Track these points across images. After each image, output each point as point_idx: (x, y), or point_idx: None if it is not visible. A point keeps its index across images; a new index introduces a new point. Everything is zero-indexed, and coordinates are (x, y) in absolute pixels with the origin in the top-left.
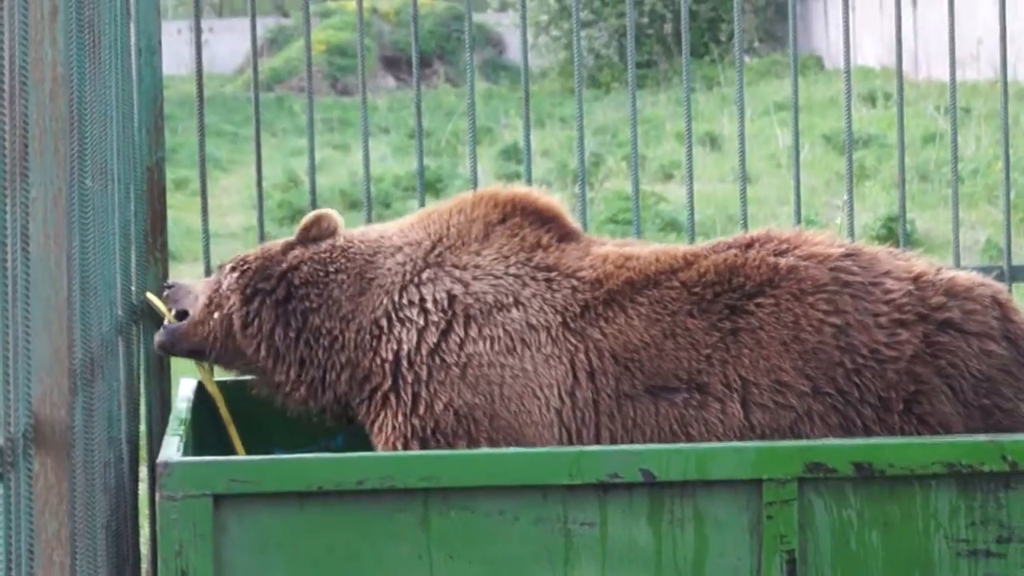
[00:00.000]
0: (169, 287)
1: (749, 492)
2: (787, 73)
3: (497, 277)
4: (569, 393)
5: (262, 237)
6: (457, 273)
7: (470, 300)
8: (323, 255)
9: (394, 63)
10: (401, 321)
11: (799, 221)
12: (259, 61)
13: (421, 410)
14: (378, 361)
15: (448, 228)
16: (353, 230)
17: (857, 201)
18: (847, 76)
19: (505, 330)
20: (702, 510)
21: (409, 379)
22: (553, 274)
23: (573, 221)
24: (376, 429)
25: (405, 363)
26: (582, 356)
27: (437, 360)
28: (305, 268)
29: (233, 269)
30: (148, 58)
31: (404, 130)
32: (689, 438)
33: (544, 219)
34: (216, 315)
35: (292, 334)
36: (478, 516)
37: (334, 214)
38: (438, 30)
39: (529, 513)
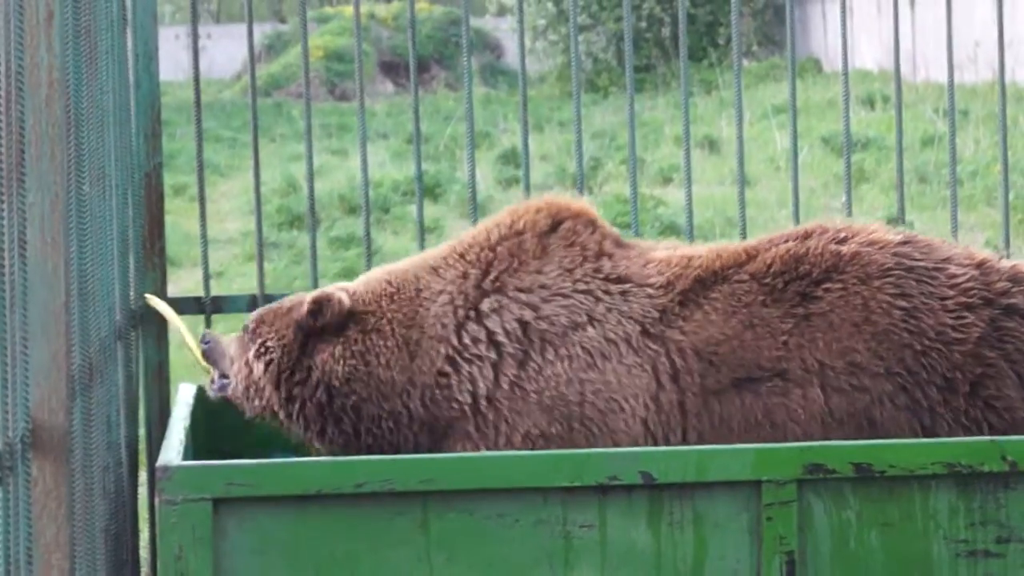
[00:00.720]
0: (206, 343)
1: (748, 494)
2: (785, 76)
3: (567, 296)
4: (654, 399)
5: (260, 243)
6: (524, 297)
7: (544, 325)
8: (354, 347)
9: (392, 68)
10: (469, 361)
11: (798, 223)
12: (257, 67)
13: (500, 442)
14: (455, 407)
15: (495, 251)
16: (365, 289)
17: (856, 203)
18: (845, 79)
19: (583, 348)
20: (701, 512)
21: (490, 416)
22: (627, 285)
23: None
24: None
25: (484, 401)
26: (664, 360)
27: (517, 391)
28: (340, 368)
29: (258, 356)
30: (145, 64)
31: (403, 135)
32: (774, 427)
33: (590, 220)
34: (257, 403)
35: (348, 429)
36: (477, 519)
37: (337, 295)
38: (436, 35)
39: (529, 516)
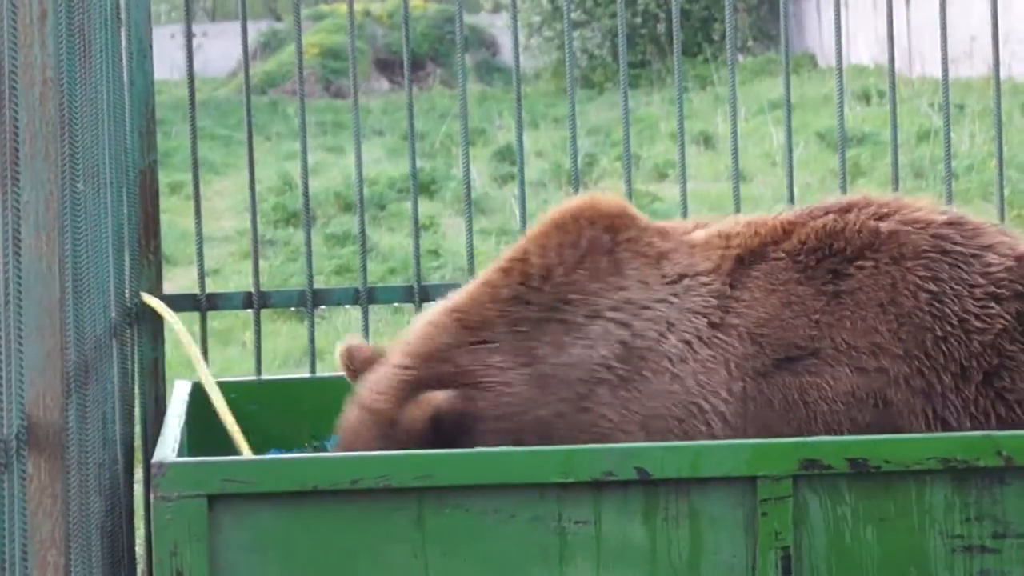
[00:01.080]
0: None
1: (743, 489)
2: (780, 72)
3: (648, 308)
4: (728, 389)
5: (256, 242)
6: (618, 316)
7: (639, 342)
8: (495, 412)
9: (387, 66)
10: (598, 383)
11: None
12: (252, 65)
13: None
14: (596, 431)
15: (567, 270)
16: (455, 334)
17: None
18: (840, 74)
19: (667, 357)
20: (697, 507)
21: (618, 438)
22: (686, 281)
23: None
24: None
25: (613, 424)
26: (730, 349)
27: (627, 411)
28: (493, 439)
29: None
30: (140, 62)
31: (398, 132)
32: (806, 406)
33: (629, 221)
34: None
35: None
36: (473, 515)
37: (436, 402)
38: (431, 32)
39: (524, 512)
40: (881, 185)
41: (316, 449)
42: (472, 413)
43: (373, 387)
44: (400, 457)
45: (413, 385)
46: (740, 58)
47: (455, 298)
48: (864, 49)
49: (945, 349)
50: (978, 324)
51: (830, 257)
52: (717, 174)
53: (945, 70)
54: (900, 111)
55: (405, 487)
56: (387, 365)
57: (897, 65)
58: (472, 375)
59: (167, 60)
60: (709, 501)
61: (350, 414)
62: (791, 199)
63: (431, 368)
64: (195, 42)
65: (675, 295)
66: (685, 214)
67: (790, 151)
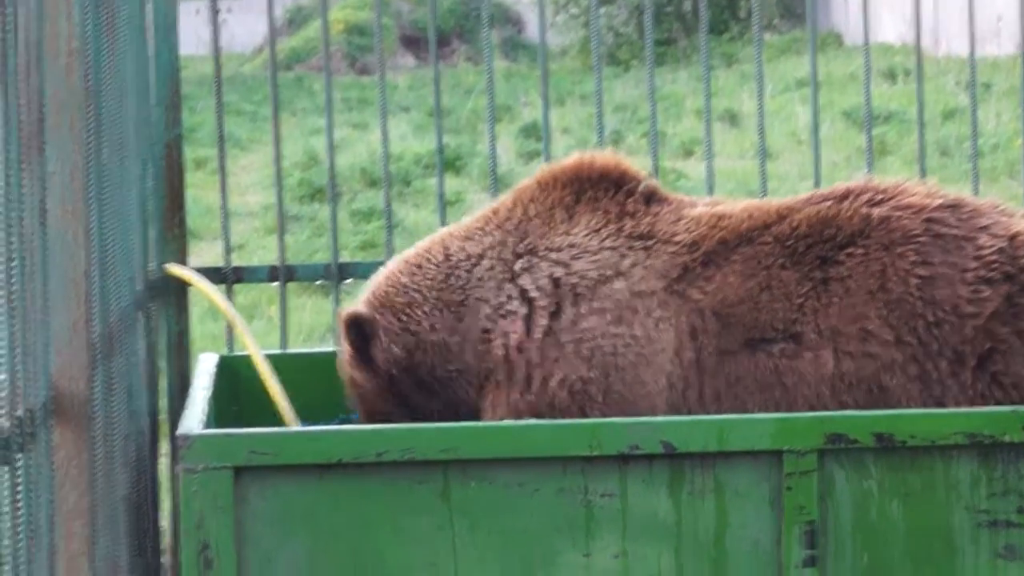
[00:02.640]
0: None
1: (769, 463)
2: (807, 50)
3: (594, 252)
4: (676, 354)
5: (281, 215)
6: (554, 256)
7: (575, 279)
8: (395, 329)
9: (413, 42)
10: (504, 316)
11: None
12: (277, 41)
13: (536, 387)
14: (490, 361)
15: (528, 219)
16: (380, 284)
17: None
18: (866, 52)
19: (613, 301)
20: (722, 481)
21: (522, 363)
22: (650, 242)
23: (639, 172)
24: (489, 409)
25: (515, 351)
26: (684, 318)
27: (550, 340)
28: (397, 350)
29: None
30: (164, 35)
31: (424, 108)
32: (785, 389)
33: (613, 182)
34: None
35: (437, 391)
36: (498, 488)
37: (357, 311)
38: (457, 8)
39: (549, 485)
40: (907, 163)
41: (343, 422)
42: (381, 323)
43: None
44: (425, 430)
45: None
46: (766, 36)
47: (428, 238)
48: (890, 27)
49: (938, 335)
50: (970, 309)
51: (820, 244)
52: (743, 151)
53: (972, 49)
54: (926, 89)
55: (430, 460)
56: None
57: (923, 43)
58: (388, 300)
59: (193, 36)
60: (735, 475)
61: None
62: (817, 177)
63: (381, 299)
64: (220, 17)
65: (631, 249)
66: (711, 191)
67: (816, 129)
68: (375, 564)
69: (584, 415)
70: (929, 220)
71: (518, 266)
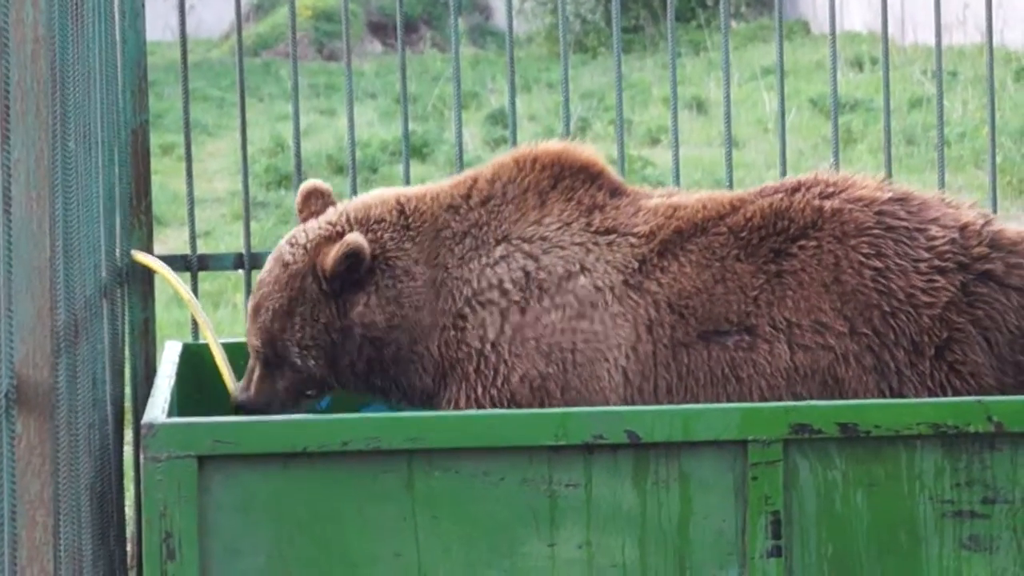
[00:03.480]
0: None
1: (734, 453)
2: (774, 38)
3: (563, 248)
4: (632, 348)
5: (247, 201)
6: (526, 247)
7: (543, 275)
8: (388, 293)
9: (381, 28)
10: (483, 304)
11: None
12: (245, 26)
13: (499, 383)
14: (464, 349)
15: (504, 202)
16: (380, 223)
17: (844, 165)
18: (833, 40)
19: (575, 297)
20: (687, 471)
21: (492, 359)
22: (612, 236)
23: (613, 171)
24: (448, 403)
25: (489, 345)
26: (642, 311)
27: (518, 337)
28: (380, 318)
29: (302, 356)
30: (132, 20)
31: (391, 95)
32: (739, 381)
33: (591, 175)
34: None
35: (392, 372)
36: (463, 477)
37: (359, 242)
38: None
39: (514, 474)
40: (873, 152)
41: (307, 411)
42: (378, 279)
43: (294, 240)
44: (390, 419)
45: (330, 240)
46: (733, 24)
47: (411, 188)
48: (857, 15)
49: (895, 325)
50: (925, 299)
51: (773, 236)
52: (710, 139)
53: (938, 37)
54: (892, 78)
55: (395, 449)
56: (320, 220)
57: (890, 32)
58: (386, 252)
59: (160, 21)
60: (699, 465)
61: (267, 268)
62: (783, 165)
63: (353, 229)
64: (188, 3)
65: (596, 244)
66: (677, 179)
67: (783, 117)
68: (339, 554)
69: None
70: (880, 213)
71: (497, 253)
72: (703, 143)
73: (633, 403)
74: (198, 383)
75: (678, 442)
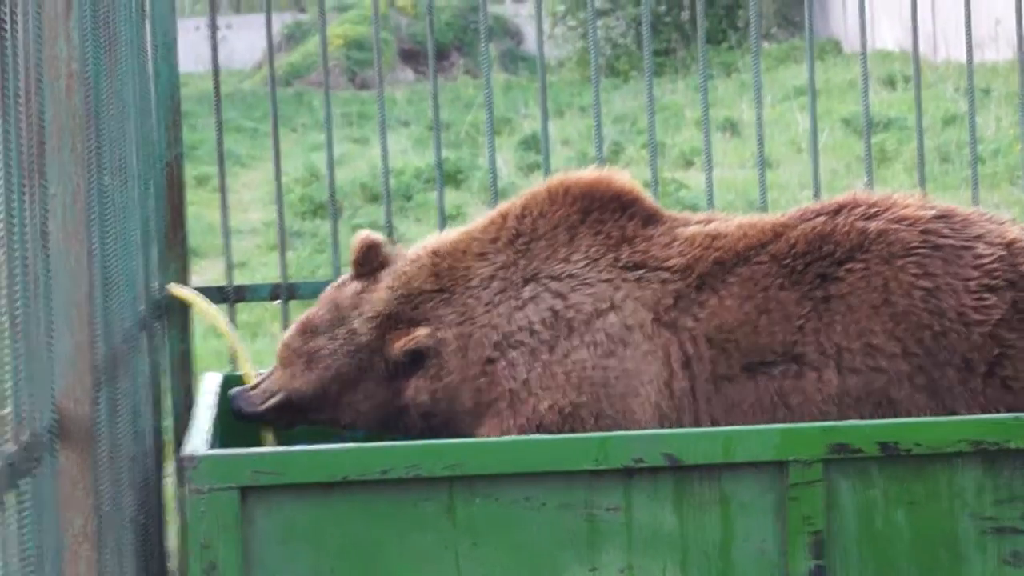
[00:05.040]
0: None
1: (774, 474)
2: (805, 58)
3: (591, 285)
4: (666, 384)
5: (282, 232)
6: (554, 286)
7: (571, 313)
8: (432, 371)
9: (412, 56)
10: (512, 347)
11: None
12: (277, 57)
13: (529, 412)
14: (497, 390)
15: (532, 239)
16: (420, 295)
17: (879, 184)
18: (864, 59)
19: (606, 334)
20: (727, 493)
21: (523, 394)
22: (642, 271)
23: (650, 199)
24: (480, 435)
25: (520, 383)
26: (675, 348)
27: (548, 372)
28: (427, 398)
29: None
30: (164, 54)
31: (424, 122)
32: (789, 408)
33: (623, 204)
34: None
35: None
36: (503, 504)
37: (420, 334)
38: (455, 22)
39: (554, 499)
40: (907, 170)
41: (347, 440)
42: (431, 366)
43: (361, 310)
44: (430, 447)
45: (391, 320)
46: (764, 45)
47: (443, 238)
48: (888, 34)
49: (946, 344)
50: (976, 317)
51: (819, 261)
52: (743, 161)
53: (970, 54)
54: (925, 96)
55: (435, 476)
56: (380, 288)
57: (921, 50)
58: (428, 324)
59: (192, 53)
60: (739, 486)
61: (325, 317)
62: (817, 185)
63: (404, 307)
64: (220, 34)
65: (625, 280)
66: (711, 201)
67: (815, 137)
68: None
69: None
70: (926, 232)
71: (525, 294)
72: (736, 165)
73: None
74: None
75: (718, 464)
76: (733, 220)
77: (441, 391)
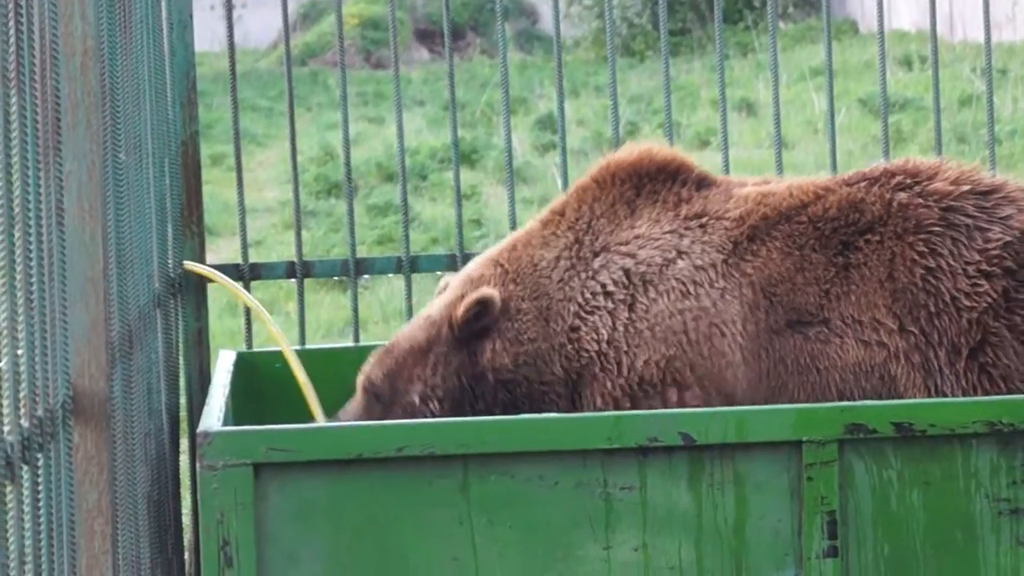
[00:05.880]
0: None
1: (789, 454)
2: (822, 38)
3: (657, 239)
4: (743, 326)
5: (298, 211)
6: (623, 249)
7: (643, 268)
8: (508, 335)
9: (428, 35)
10: (591, 312)
11: None
12: (292, 36)
13: (625, 371)
14: (585, 355)
15: (594, 218)
16: (487, 279)
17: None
18: (881, 39)
19: (676, 279)
20: (742, 473)
21: (611, 355)
22: (704, 219)
23: (696, 164)
24: (586, 405)
25: (606, 344)
26: (745, 291)
27: (632, 330)
28: (507, 359)
29: (424, 400)
30: (180, 32)
31: (439, 102)
32: (819, 372)
33: (671, 174)
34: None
35: (525, 406)
36: (518, 481)
37: (490, 293)
38: (471, 2)
39: (569, 478)
40: (924, 151)
41: None
42: (502, 326)
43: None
44: (444, 425)
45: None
46: (781, 25)
47: (500, 246)
48: (905, 14)
49: (939, 325)
50: (967, 303)
51: (844, 228)
52: (759, 141)
53: (987, 34)
54: (942, 76)
55: (450, 454)
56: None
57: (939, 30)
58: (503, 307)
59: (207, 32)
60: (754, 466)
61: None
62: (833, 166)
63: (503, 302)
64: (235, 13)
65: (689, 229)
66: None
67: (832, 117)
68: (397, 559)
69: (679, 392)
70: (948, 209)
71: (596, 264)
72: (752, 145)
73: (756, 387)
74: (252, 391)
75: (732, 444)
76: (786, 181)
77: (524, 356)
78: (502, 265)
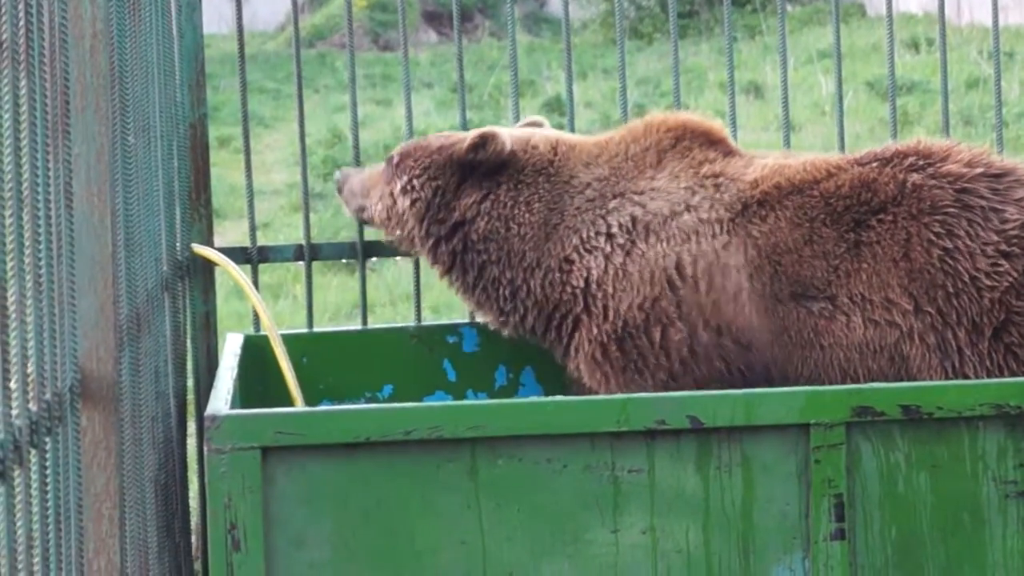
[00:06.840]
0: (339, 178)
1: (796, 437)
2: (830, 21)
3: (671, 193)
4: (751, 279)
5: (306, 194)
6: (636, 198)
7: (649, 217)
8: (500, 209)
9: (436, 17)
10: (590, 251)
11: None
12: (300, 18)
13: (610, 316)
14: (568, 291)
15: (625, 158)
16: (529, 145)
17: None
18: (889, 22)
19: (678, 229)
20: (749, 455)
21: (598, 297)
22: (720, 179)
23: (735, 143)
24: (572, 351)
25: (594, 285)
26: (751, 250)
27: (622, 274)
28: (482, 224)
29: (404, 191)
30: (188, 14)
31: (447, 84)
32: (822, 349)
33: (712, 140)
34: (397, 232)
35: (470, 280)
36: (526, 464)
37: (502, 136)
38: None
39: (577, 461)
40: (931, 133)
41: (369, 400)
42: (496, 187)
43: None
44: (453, 408)
45: None
46: (789, 7)
47: (571, 136)
48: None
49: (957, 305)
50: (987, 282)
51: (857, 206)
52: (767, 124)
53: (995, 17)
54: (949, 59)
55: (458, 437)
56: None
57: (946, 13)
58: (522, 175)
59: (215, 14)
60: (762, 449)
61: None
62: (841, 148)
63: (515, 148)
64: None
65: (703, 187)
66: None
67: (840, 100)
68: (404, 542)
69: (663, 332)
70: (962, 191)
71: (611, 205)
72: (760, 127)
73: (763, 329)
74: (260, 375)
75: (740, 426)
76: (802, 157)
77: (501, 240)
78: (555, 155)
